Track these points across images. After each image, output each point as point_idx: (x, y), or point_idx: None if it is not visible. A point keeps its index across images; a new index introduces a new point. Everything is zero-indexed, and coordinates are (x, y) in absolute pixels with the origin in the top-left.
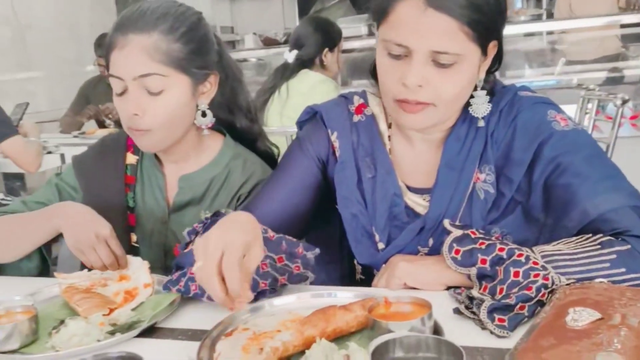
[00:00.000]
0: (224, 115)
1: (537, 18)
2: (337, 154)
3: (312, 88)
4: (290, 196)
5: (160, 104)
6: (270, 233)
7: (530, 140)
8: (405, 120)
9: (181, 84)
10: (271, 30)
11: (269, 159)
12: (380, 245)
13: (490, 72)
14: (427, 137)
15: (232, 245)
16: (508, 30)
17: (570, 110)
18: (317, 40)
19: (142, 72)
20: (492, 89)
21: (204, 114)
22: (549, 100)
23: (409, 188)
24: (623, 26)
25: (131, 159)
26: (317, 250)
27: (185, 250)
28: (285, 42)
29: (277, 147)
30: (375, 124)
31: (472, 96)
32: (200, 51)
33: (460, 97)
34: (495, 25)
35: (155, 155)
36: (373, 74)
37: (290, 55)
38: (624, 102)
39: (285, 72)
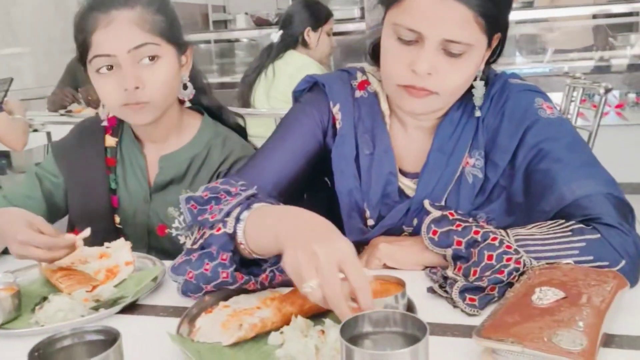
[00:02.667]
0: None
1: (528, 5)
2: (338, 126)
3: (298, 70)
4: (290, 157)
5: (157, 73)
6: None
7: (516, 126)
8: (407, 104)
9: (170, 54)
10: (264, 11)
11: (239, 130)
12: (370, 222)
13: (488, 62)
14: (421, 124)
15: (347, 256)
16: None
17: (557, 97)
18: (301, 19)
19: (137, 43)
20: (487, 77)
21: (185, 87)
22: (537, 88)
23: (401, 171)
24: (609, 16)
25: (110, 141)
26: None
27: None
28: (277, 23)
29: (242, 117)
30: (377, 101)
31: (472, 86)
32: (177, 23)
33: (462, 88)
34: (505, 18)
35: (135, 137)
36: (373, 56)
37: (276, 36)
38: (607, 90)
39: (271, 53)
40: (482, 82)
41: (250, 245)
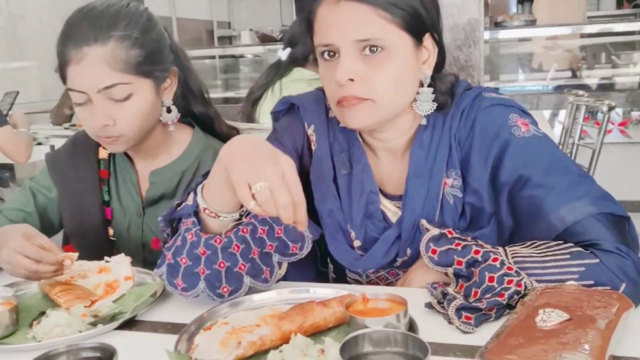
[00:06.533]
0: (179, 102)
1: (531, 23)
2: (314, 148)
3: (306, 87)
4: None
5: (129, 110)
6: None
7: (489, 144)
8: (347, 119)
9: (145, 88)
10: (268, 27)
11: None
12: (357, 243)
13: (437, 70)
14: (387, 146)
15: (288, 169)
16: (502, 34)
17: (561, 115)
18: (311, 38)
19: (106, 84)
20: (451, 89)
21: (168, 110)
22: (511, 102)
23: (381, 192)
24: (612, 34)
25: (103, 153)
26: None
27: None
28: (282, 40)
29: (236, 130)
30: None
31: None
32: (156, 52)
33: (400, 92)
34: (419, 14)
35: (125, 153)
36: None
37: (283, 54)
38: (610, 108)
39: (279, 70)
40: (430, 90)
41: (211, 200)
